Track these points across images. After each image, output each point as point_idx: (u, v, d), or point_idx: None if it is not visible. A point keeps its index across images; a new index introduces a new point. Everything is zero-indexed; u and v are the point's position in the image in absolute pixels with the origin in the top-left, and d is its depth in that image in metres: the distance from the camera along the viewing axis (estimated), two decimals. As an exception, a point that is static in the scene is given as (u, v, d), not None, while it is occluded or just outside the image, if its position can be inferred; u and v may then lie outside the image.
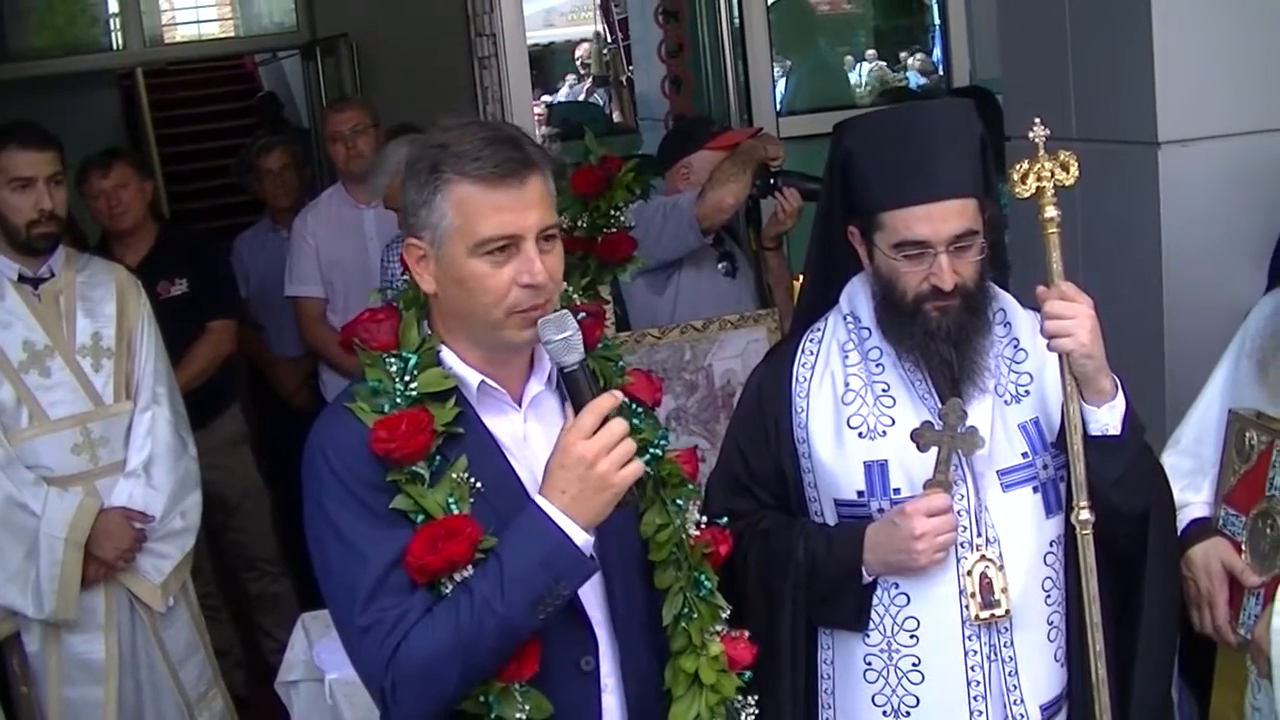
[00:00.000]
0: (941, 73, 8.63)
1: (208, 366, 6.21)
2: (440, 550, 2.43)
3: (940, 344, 2.90)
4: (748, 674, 2.79)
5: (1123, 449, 2.87)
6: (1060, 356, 2.83)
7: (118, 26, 11.92)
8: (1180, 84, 3.89)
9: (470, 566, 2.46)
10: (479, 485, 2.52)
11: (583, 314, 2.78)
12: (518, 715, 2.50)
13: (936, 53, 10.56)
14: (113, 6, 11.88)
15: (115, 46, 12.03)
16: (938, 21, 9.53)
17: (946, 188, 2.87)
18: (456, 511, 2.48)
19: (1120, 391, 2.88)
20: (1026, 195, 2.85)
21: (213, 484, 5.43)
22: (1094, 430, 2.85)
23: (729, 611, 2.81)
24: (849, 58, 10.52)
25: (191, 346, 6.10)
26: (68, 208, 4.74)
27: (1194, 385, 3.48)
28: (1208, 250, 3.88)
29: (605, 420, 2.48)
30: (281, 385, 7.16)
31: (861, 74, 11.05)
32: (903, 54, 11.21)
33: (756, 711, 2.82)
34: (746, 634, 2.83)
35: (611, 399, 2.49)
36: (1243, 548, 3.16)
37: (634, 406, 2.77)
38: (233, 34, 14.80)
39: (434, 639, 2.42)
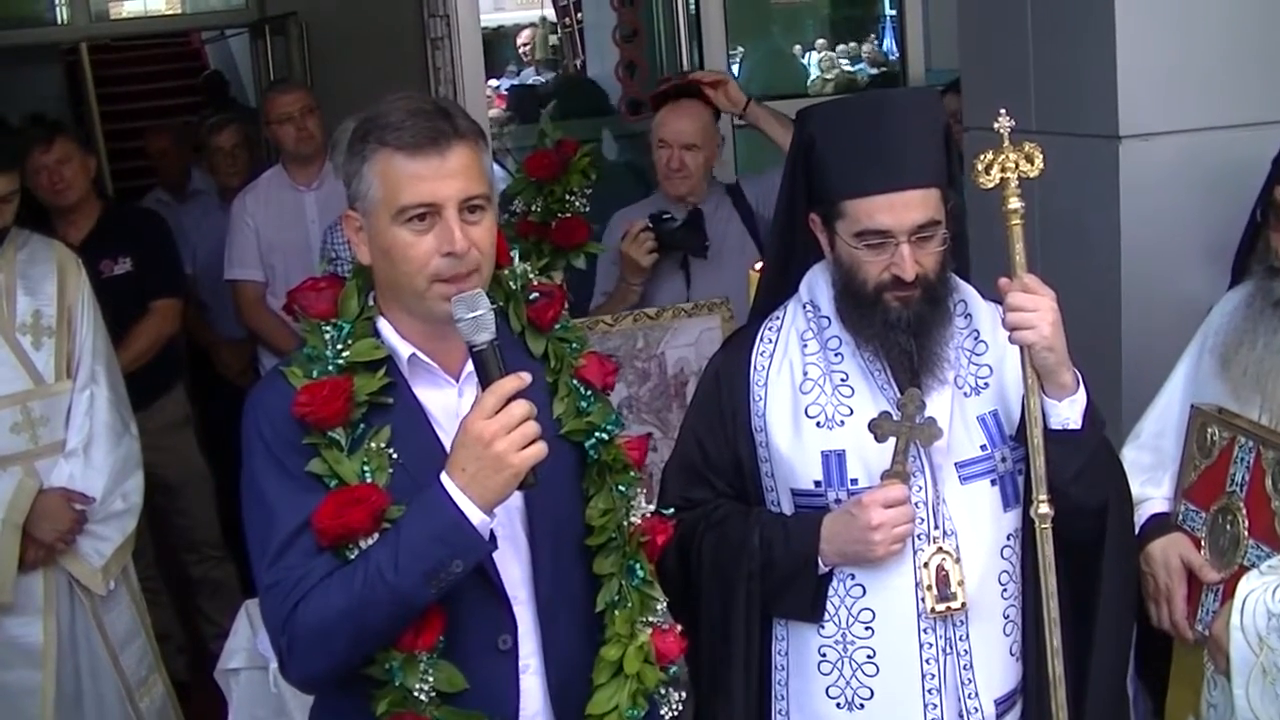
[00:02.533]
0: (896, 63, 8.61)
1: (150, 347, 6.13)
2: (342, 516, 2.47)
3: (900, 334, 2.88)
4: (673, 668, 2.79)
5: (1082, 444, 2.86)
6: (1021, 349, 2.82)
7: (63, 1, 11.77)
8: (1142, 78, 3.88)
9: (376, 535, 2.49)
10: (396, 456, 2.55)
11: (535, 295, 2.81)
12: (420, 685, 2.52)
13: (888, 42, 10.57)
14: (58, -20, 11.74)
15: (60, 21, 11.88)
16: (891, 12, 9.52)
17: (910, 177, 2.85)
18: (370, 480, 2.52)
19: (1081, 386, 2.88)
20: (990, 186, 2.84)
21: (155, 466, 5.39)
22: (1054, 424, 2.85)
23: (664, 603, 2.80)
24: (798, 47, 10.51)
25: (134, 326, 6.03)
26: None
27: (1150, 380, 3.48)
28: (1167, 245, 3.88)
29: (511, 402, 2.48)
30: (226, 366, 7.11)
31: (812, 63, 11.05)
32: (853, 44, 11.23)
33: (679, 709, 2.81)
34: (679, 628, 2.82)
35: (516, 380, 2.49)
36: (1202, 544, 3.16)
37: (583, 390, 2.78)
38: (179, 11, 14.63)
39: (328, 603, 2.46)
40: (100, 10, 12.42)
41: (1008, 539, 2.94)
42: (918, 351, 2.89)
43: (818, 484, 2.93)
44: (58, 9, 11.96)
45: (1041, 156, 2.84)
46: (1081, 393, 2.87)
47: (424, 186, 2.54)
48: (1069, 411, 2.85)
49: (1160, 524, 3.24)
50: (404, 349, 2.64)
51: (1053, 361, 2.81)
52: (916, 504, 2.87)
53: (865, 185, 2.85)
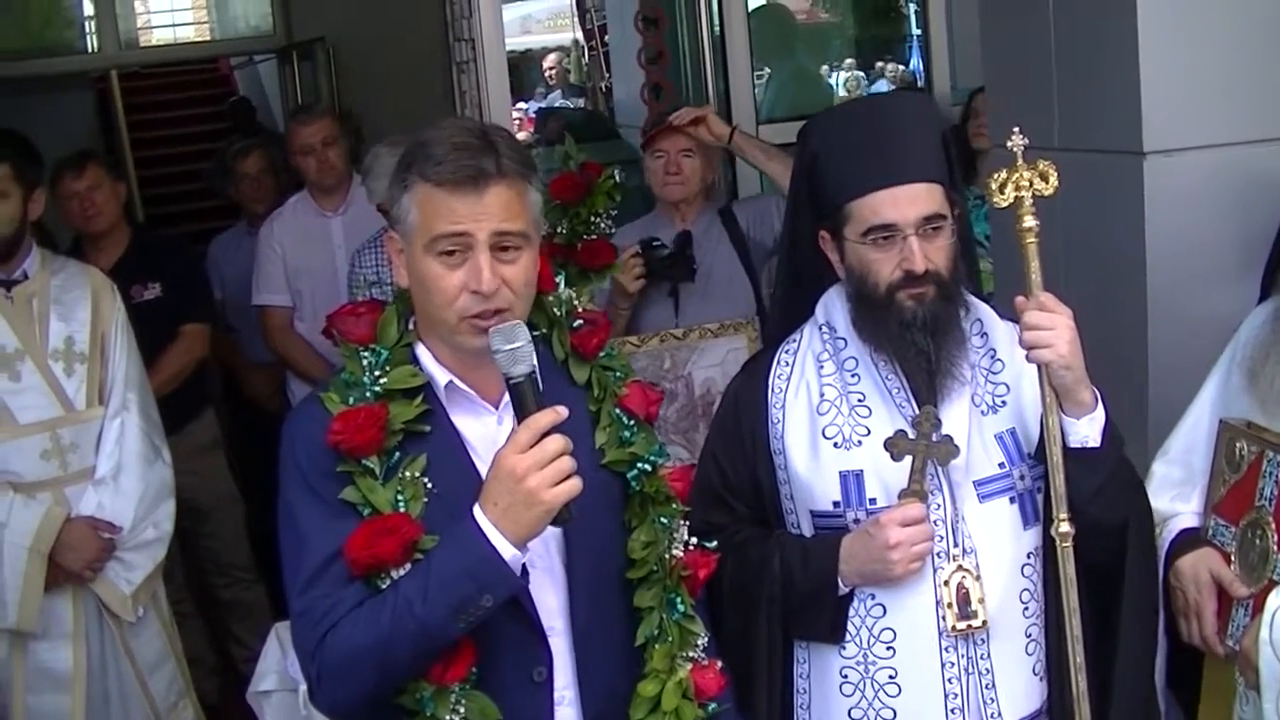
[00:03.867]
0: (922, 82, 8.61)
1: (181, 371, 6.15)
2: (372, 547, 2.45)
3: (916, 333, 2.86)
4: (713, 705, 2.76)
5: (1101, 461, 2.85)
6: (1039, 368, 2.81)
7: (93, 29, 11.85)
8: (1166, 94, 3.85)
9: (408, 565, 2.47)
10: (431, 485, 2.53)
11: (579, 322, 2.78)
12: (450, 716, 2.50)
13: (913, 62, 10.56)
14: (88, 9, 11.82)
15: (90, 49, 11.96)
16: (917, 31, 9.52)
17: (911, 171, 2.86)
18: (404, 509, 2.49)
19: (1100, 404, 2.87)
20: (1004, 205, 2.83)
21: (185, 489, 5.39)
22: (1073, 442, 2.83)
23: (705, 638, 2.77)
24: (824, 67, 10.51)
25: (163, 351, 6.04)
26: (15, 218, 4.62)
27: (1178, 397, 3.46)
28: (1192, 262, 3.84)
29: (547, 436, 2.45)
30: (255, 390, 7.12)
31: (838, 83, 11.05)
32: (878, 63, 11.23)
33: None
34: (719, 664, 2.79)
35: (552, 414, 2.46)
36: (1232, 558, 3.14)
37: (626, 419, 2.75)
38: (208, 37, 14.73)
39: (357, 633, 2.45)
40: (130, 38, 12.52)
41: (1028, 557, 2.93)
42: (935, 350, 2.88)
43: (836, 505, 2.92)
44: (88, 37, 12.06)
45: (1056, 175, 2.83)
46: (1100, 410, 2.86)
47: (458, 222, 2.52)
48: (1088, 429, 2.84)
49: (1190, 539, 3.21)
50: (442, 376, 2.62)
51: (1070, 380, 2.80)
52: (935, 522, 2.85)
53: (867, 183, 2.86)
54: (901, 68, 11.18)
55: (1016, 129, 2.84)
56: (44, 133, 4.90)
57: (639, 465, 2.72)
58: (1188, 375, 3.46)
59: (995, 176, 2.83)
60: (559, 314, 2.78)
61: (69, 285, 4.72)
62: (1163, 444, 3.40)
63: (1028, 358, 2.82)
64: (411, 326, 2.68)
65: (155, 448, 4.77)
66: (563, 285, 2.82)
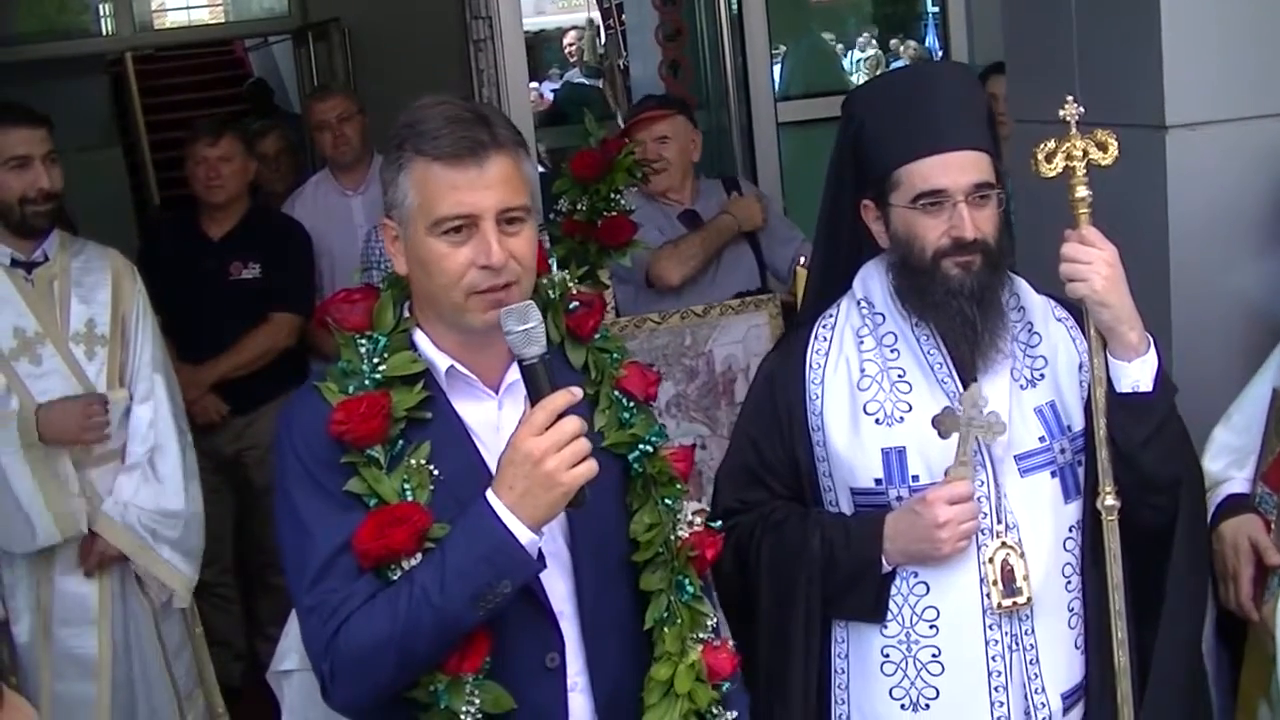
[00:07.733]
0: (940, 59, 8.57)
1: (260, 357, 6.16)
2: (384, 537, 2.41)
3: (963, 302, 2.82)
4: (726, 685, 2.73)
5: (1153, 408, 2.79)
6: (1084, 313, 2.78)
7: (107, 12, 11.86)
8: (1189, 66, 3.81)
9: (419, 555, 2.44)
10: (437, 473, 2.50)
11: (575, 304, 2.74)
12: (466, 707, 2.47)
13: (929, 39, 10.52)
14: (102, -9, 11.85)
15: (104, 31, 11.98)
16: (933, 9, 9.47)
17: (961, 137, 2.83)
18: (411, 498, 2.46)
19: (1152, 348, 2.82)
20: (1053, 175, 2.79)
21: (248, 467, 5.38)
22: (1124, 387, 2.79)
23: (714, 619, 2.75)
24: (840, 45, 10.48)
25: (248, 333, 6.10)
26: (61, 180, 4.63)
27: (1200, 371, 3.45)
28: (1215, 236, 3.81)
29: (562, 418, 2.42)
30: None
31: (853, 60, 11.02)
32: (894, 41, 11.20)
33: None
34: (730, 643, 2.77)
35: (567, 396, 2.43)
36: (1272, 526, 3.12)
37: (625, 401, 2.72)
38: (223, 19, 14.74)
39: (372, 627, 2.41)
40: (144, 20, 12.54)
41: (1070, 531, 2.90)
42: (981, 319, 2.83)
43: (878, 482, 2.89)
44: (102, 20, 12.09)
45: (1116, 144, 2.80)
46: (1152, 354, 2.81)
47: (462, 197, 2.48)
48: (1138, 373, 2.79)
49: (1236, 504, 3.21)
50: (442, 361, 2.58)
51: (1108, 318, 2.76)
52: (979, 499, 2.82)
53: (917, 148, 2.82)
54: (917, 45, 11.15)
55: (1070, 97, 2.81)
56: (58, 116, 4.88)
57: (640, 447, 2.69)
58: (1212, 351, 3.46)
59: (1043, 146, 2.79)
60: (554, 296, 2.73)
61: (89, 267, 4.70)
62: (1225, 410, 3.38)
63: (1066, 290, 2.80)
64: (408, 312, 2.64)
65: (182, 430, 4.77)
66: (555, 267, 2.78)
